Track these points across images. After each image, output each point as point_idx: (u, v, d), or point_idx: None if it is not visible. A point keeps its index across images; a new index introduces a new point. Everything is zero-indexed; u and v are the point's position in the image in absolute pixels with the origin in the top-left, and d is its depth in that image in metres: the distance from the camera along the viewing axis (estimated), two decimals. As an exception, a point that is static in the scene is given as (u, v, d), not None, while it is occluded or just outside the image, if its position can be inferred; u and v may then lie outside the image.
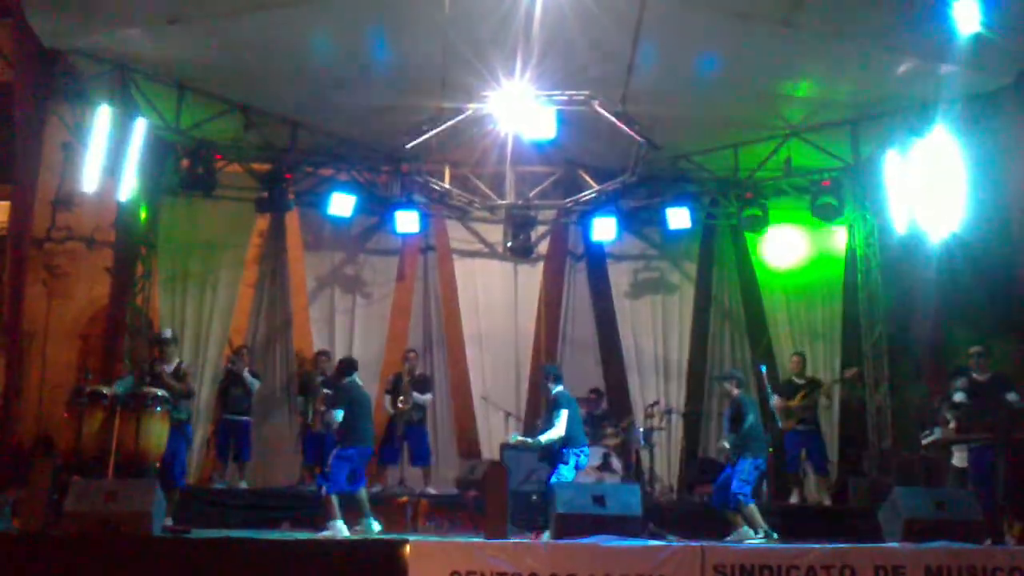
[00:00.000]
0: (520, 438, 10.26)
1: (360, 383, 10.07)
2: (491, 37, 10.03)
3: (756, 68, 10.88)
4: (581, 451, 9.60)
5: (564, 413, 9.53)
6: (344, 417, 9.58)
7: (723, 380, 10.50)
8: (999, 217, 11.24)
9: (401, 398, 12.07)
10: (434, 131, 11.12)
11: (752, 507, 9.42)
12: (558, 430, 9.45)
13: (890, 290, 13.46)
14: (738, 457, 9.52)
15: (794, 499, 11.82)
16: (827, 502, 11.88)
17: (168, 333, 9.99)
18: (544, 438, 9.56)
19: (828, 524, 10.42)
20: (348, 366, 10.05)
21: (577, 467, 9.55)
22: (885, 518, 8.55)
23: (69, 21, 10.05)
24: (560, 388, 9.80)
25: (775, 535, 9.17)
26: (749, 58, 10.66)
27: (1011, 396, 9.28)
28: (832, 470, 13.25)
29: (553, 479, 9.40)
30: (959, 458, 9.80)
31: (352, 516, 9.48)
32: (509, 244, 13.60)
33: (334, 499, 9.28)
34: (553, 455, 9.57)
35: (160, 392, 9.05)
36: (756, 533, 9.21)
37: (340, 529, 9.15)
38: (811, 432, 12.03)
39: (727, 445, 9.80)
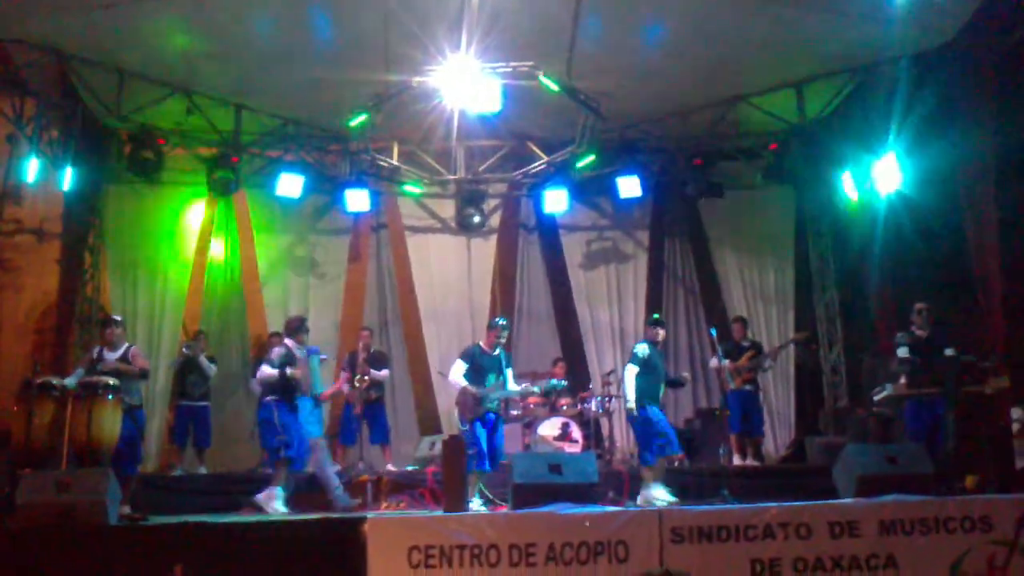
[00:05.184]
0: None
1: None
2: (434, 9, 9.99)
3: (698, 34, 10.88)
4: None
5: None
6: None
7: None
8: (944, 175, 11.33)
9: (358, 376, 12.01)
10: (379, 105, 11.03)
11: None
12: None
13: (841, 251, 13.62)
14: None
15: (737, 460, 11.91)
16: (755, 462, 11.97)
17: (113, 318, 9.78)
18: None
19: (784, 484, 10.52)
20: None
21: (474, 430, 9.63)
22: (839, 475, 8.64)
23: (1, 8, 9.88)
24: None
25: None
26: (691, 24, 10.67)
27: (948, 351, 9.44)
28: (789, 430, 13.47)
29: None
30: None
31: None
32: (458, 219, 13.61)
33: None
34: None
35: (111, 381, 8.95)
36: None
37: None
38: (753, 394, 12.15)
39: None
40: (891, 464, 8.34)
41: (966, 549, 7.39)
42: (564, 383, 11.15)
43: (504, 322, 10.09)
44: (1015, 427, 9.61)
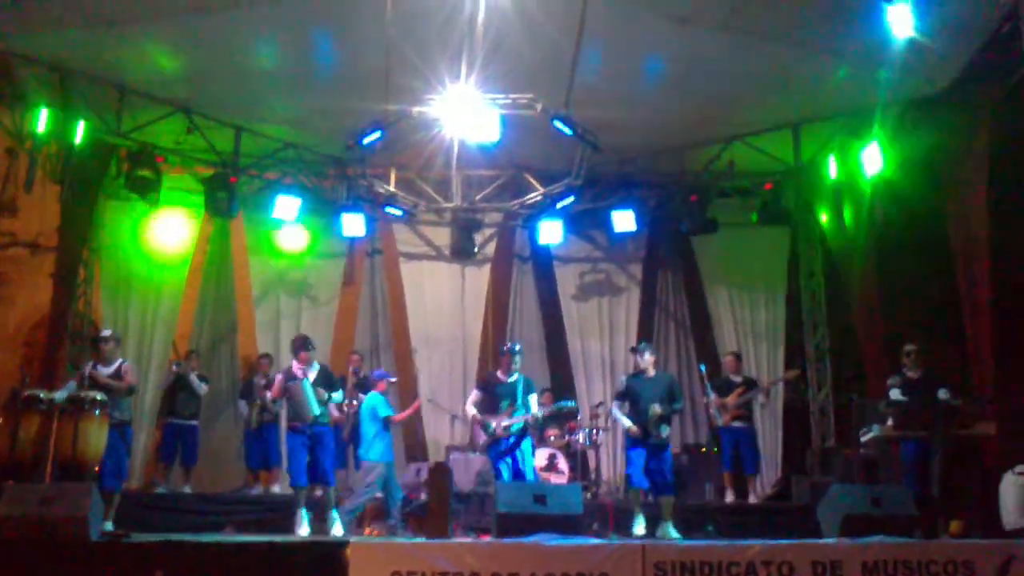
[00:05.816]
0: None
1: None
2: (435, 40, 10.04)
3: (698, 72, 10.97)
4: None
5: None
6: None
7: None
8: (937, 217, 11.38)
9: (346, 401, 11.97)
10: (377, 134, 11.11)
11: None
12: None
13: (833, 291, 13.65)
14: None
15: (728, 498, 11.87)
16: (753, 499, 11.93)
17: (107, 332, 9.83)
18: None
19: (770, 522, 10.51)
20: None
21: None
22: (823, 515, 8.62)
23: (4, 22, 9.93)
24: None
25: None
26: (690, 62, 10.75)
27: (942, 393, 9.41)
28: (776, 469, 13.44)
29: None
30: None
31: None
32: (453, 247, 13.66)
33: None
34: None
35: (99, 396, 8.94)
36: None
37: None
38: (746, 430, 12.10)
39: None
40: (876, 505, 8.33)
41: (948, 593, 7.40)
42: (573, 403, 11.13)
43: (518, 347, 10.11)
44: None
